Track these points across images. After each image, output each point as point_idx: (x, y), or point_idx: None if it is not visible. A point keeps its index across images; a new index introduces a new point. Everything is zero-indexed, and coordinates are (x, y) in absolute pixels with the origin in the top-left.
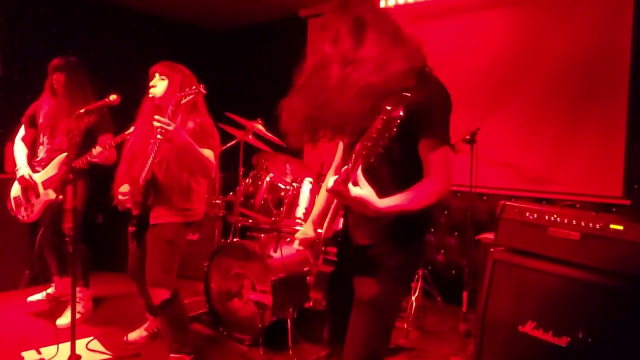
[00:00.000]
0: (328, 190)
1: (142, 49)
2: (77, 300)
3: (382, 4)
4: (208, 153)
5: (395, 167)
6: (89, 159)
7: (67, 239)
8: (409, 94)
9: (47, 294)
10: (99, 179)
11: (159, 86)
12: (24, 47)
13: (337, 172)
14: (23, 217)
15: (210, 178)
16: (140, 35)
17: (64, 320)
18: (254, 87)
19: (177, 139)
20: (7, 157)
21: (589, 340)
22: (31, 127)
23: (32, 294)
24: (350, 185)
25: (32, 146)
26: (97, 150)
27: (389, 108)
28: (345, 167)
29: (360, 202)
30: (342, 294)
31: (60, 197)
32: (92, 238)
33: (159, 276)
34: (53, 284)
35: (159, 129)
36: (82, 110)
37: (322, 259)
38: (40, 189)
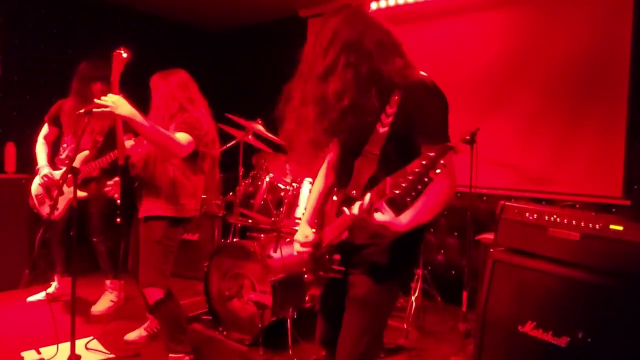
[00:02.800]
0: (353, 216)
1: (142, 49)
2: (110, 290)
3: (382, 5)
4: (179, 134)
5: (394, 165)
6: (108, 161)
7: (94, 239)
8: (452, 145)
9: (47, 293)
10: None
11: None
12: (24, 47)
13: (329, 171)
14: (47, 214)
15: (176, 157)
16: (140, 35)
17: (99, 307)
18: (254, 87)
19: (120, 109)
20: (7, 157)
21: (589, 340)
22: (54, 126)
23: (32, 294)
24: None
25: (54, 144)
26: (129, 143)
27: (431, 154)
28: (370, 195)
29: (383, 226)
30: (337, 297)
31: (84, 194)
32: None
33: (150, 276)
34: (52, 283)
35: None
36: (81, 110)
37: (329, 268)
38: (64, 187)
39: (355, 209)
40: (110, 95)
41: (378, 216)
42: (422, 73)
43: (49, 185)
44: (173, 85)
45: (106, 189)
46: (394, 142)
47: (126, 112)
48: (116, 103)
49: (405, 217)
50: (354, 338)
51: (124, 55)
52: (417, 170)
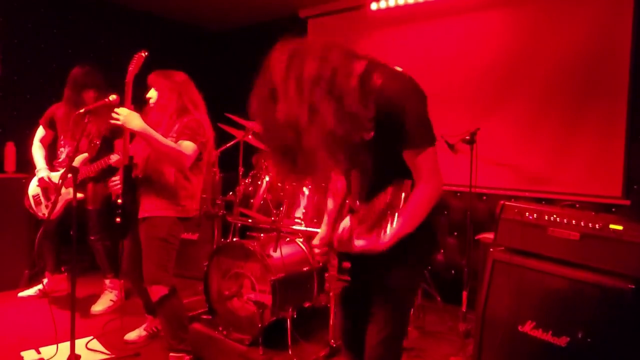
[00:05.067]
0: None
1: (142, 49)
2: (110, 289)
3: (382, 5)
4: (185, 144)
5: (387, 171)
6: (105, 164)
7: (92, 237)
8: (410, 180)
9: (39, 290)
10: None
11: (152, 97)
12: (24, 47)
13: (339, 184)
14: (44, 214)
15: (182, 167)
16: (140, 35)
17: (99, 307)
18: (254, 87)
19: (131, 124)
20: (6, 157)
21: (589, 340)
22: (50, 129)
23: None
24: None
25: (50, 147)
26: (114, 157)
27: (389, 196)
28: (346, 226)
29: (367, 251)
30: (357, 300)
31: (81, 195)
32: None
33: (155, 273)
34: (45, 279)
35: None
36: (81, 111)
37: (336, 277)
38: (62, 188)
39: (340, 228)
40: (121, 109)
41: (358, 243)
42: (398, 69)
43: (47, 187)
44: (180, 85)
45: (112, 184)
46: (380, 147)
47: (137, 127)
48: (127, 118)
49: (387, 235)
50: (387, 330)
51: (144, 55)
52: (387, 201)
